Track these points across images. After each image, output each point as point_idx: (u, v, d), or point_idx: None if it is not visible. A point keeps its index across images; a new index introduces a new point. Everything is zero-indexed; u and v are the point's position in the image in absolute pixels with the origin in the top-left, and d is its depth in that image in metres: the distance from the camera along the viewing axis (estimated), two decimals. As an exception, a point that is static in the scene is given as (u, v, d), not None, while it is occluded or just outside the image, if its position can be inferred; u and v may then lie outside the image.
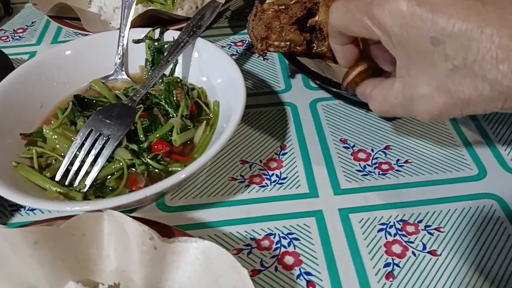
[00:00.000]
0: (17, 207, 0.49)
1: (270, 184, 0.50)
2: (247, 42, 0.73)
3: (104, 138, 0.46)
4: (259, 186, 0.50)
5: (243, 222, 0.46)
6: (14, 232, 0.36)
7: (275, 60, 0.69)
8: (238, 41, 0.74)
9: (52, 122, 0.50)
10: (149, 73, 0.59)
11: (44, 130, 0.48)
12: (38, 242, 0.36)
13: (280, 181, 0.50)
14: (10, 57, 0.65)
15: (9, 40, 0.77)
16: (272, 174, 0.51)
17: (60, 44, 0.75)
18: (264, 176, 0.51)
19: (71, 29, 0.71)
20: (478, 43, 0.28)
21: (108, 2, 0.73)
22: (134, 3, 0.60)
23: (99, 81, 0.57)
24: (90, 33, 0.67)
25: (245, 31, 0.75)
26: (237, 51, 0.72)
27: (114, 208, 0.38)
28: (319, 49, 0.59)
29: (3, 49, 0.65)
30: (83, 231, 0.38)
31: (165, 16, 0.67)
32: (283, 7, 0.58)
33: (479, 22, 0.28)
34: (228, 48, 0.72)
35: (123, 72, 0.59)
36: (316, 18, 0.57)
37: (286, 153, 0.54)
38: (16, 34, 0.79)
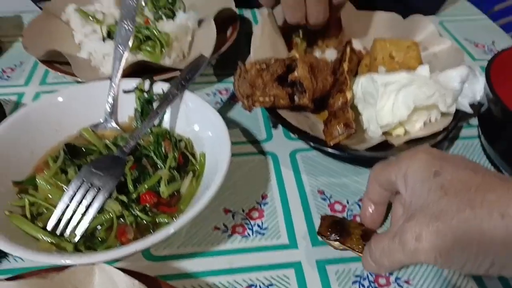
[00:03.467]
0: (4, 254, 0.50)
1: (252, 234, 0.53)
2: (231, 90, 0.77)
3: (95, 188, 0.49)
4: (242, 236, 0.53)
5: (226, 273, 0.49)
6: (9, 285, 0.37)
7: (257, 111, 0.72)
8: (223, 89, 0.78)
9: (45, 172, 0.52)
10: (138, 123, 0.61)
11: (37, 181, 0.50)
12: (32, 295, 0.38)
13: (262, 231, 0.53)
14: (-2, 98, 0.66)
15: (-3, 80, 0.79)
16: (254, 224, 0.54)
17: (51, 94, 0.77)
18: (246, 226, 0.54)
19: (60, 73, 0.73)
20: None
21: (98, 48, 0.76)
22: (125, 55, 0.63)
23: (89, 129, 0.60)
24: (78, 78, 0.69)
25: (230, 79, 0.78)
26: (221, 100, 0.75)
27: (105, 261, 0.40)
28: (301, 101, 0.63)
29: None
30: (75, 283, 0.40)
31: (154, 65, 0.71)
32: (264, 66, 0.63)
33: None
34: (213, 96, 0.76)
35: (113, 120, 0.62)
36: (296, 73, 0.62)
37: (267, 203, 0.57)
38: (4, 74, 0.80)
